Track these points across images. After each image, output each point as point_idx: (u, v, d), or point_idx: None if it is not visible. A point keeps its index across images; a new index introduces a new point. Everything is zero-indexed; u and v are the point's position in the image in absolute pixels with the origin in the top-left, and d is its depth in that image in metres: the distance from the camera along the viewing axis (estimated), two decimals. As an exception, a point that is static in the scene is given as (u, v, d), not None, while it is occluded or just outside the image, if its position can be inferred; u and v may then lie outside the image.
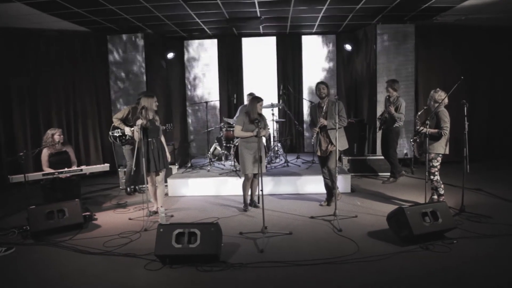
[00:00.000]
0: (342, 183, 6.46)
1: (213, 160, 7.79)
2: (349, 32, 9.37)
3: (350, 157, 7.87)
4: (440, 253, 3.89)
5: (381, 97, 8.16)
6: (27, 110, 7.87)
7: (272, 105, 7.83)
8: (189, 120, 10.11)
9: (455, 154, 5.93)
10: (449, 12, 7.47)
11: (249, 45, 9.83)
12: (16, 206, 5.97)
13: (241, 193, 5.82)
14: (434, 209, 4.24)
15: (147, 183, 5.41)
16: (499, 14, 7.54)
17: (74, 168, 5.60)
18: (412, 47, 8.37)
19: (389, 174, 7.31)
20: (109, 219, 5.51)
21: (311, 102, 7.67)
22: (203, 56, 9.93)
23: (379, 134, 7.70)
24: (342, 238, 4.45)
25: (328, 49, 9.77)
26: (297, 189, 6.65)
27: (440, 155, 5.18)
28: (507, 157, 9.00)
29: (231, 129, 7.28)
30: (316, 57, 9.81)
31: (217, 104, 9.91)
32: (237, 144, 6.37)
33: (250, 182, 5.73)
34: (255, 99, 5.56)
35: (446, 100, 5.17)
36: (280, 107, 8.85)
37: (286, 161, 7.71)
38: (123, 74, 8.61)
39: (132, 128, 5.70)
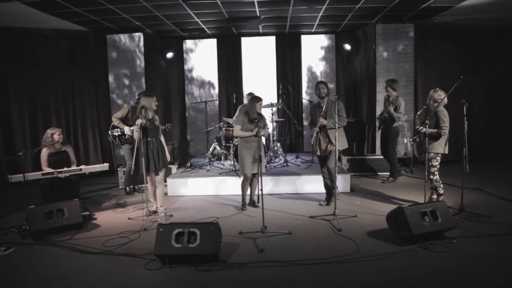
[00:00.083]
0: (342, 182, 6.46)
1: (212, 159, 7.78)
2: (349, 31, 9.38)
3: (349, 157, 7.87)
4: (439, 252, 3.90)
5: (380, 96, 8.17)
6: (26, 109, 7.85)
7: (271, 105, 7.83)
8: (188, 120, 10.10)
9: (454, 153, 5.93)
10: (448, 12, 7.48)
11: (248, 44, 9.82)
12: (15, 206, 5.95)
13: (240, 192, 5.82)
14: (433, 208, 4.24)
15: (147, 183, 5.40)
16: (498, 14, 7.55)
17: (74, 167, 5.59)
18: (411, 47, 8.39)
19: (388, 173, 7.31)
20: (108, 218, 5.51)
21: (310, 101, 7.67)
22: (203, 56, 9.92)
23: (378, 134, 7.71)
24: (342, 238, 4.45)
25: (328, 49, 9.77)
26: (297, 188, 6.65)
27: (440, 154, 5.19)
28: (506, 156, 9.01)
29: (231, 128, 7.27)
30: (315, 57, 9.82)
31: (217, 103, 9.91)
32: (236, 143, 6.37)
33: (249, 182, 5.74)
34: (255, 99, 5.56)
35: (445, 100, 5.18)
36: (280, 107, 8.85)
37: (286, 161, 7.71)
38: (122, 74, 8.61)
39: (132, 128, 5.69)
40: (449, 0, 6.74)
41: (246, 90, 9.72)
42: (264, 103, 5.96)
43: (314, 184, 6.52)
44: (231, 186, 6.58)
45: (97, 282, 3.57)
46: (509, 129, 9.19)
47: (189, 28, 8.72)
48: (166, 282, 3.54)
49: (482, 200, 5.78)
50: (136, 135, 5.19)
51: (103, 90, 8.73)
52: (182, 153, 9.09)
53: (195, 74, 10.01)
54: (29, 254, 4.26)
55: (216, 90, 9.99)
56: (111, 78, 8.64)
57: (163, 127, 5.84)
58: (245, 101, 7.60)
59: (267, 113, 8.04)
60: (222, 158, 7.80)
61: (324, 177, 5.73)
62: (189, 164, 7.79)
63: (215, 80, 9.97)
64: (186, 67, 9.99)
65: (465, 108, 4.87)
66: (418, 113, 5.69)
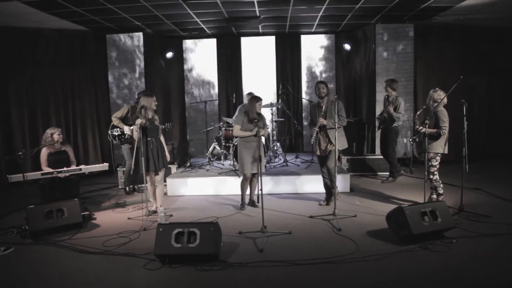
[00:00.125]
0: (341, 182, 6.46)
1: (212, 159, 7.78)
2: (348, 31, 9.38)
3: (349, 157, 7.87)
4: (439, 252, 3.90)
5: (380, 96, 8.17)
6: (25, 109, 7.85)
7: (271, 105, 7.83)
8: (188, 120, 10.10)
9: (454, 153, 5.93)
10: (448, 12, 7.49)
11: (248, 44, 9.82)
12: (14, 206, 5.95)
13: (240, 192, 5.82)
14: (433, 208, 4.24)
15: (146, 183, 5.40)
16: (497, 14, 7.55)
17: (73, 167, 5.59)
18: (411, 46, 8.39)
19: (388, 173, 7.32)
20: (108, 218, 5.50)
21: (310, 101, 7.67)
22: (202, 56, 9.92)
23: (378, 134, 7.71)
24: (341, 238, 4.45)
25: (327, 49, 9.78)
26: (296, 188, 6.65)
27: (439, 154, 5.19)
28: (506, 156, 9.02)
29: (230, 128, 7.27)
30: (315, 56, 9.82)
31: (216, 103, 9.91)
32: (236, 143, 6.36)
33: (249, 181, 5.74)
34: (254, 99, 5.56)
35: (445, 100, 5.18)
36: (279, 107, 8.85)
37: (285, 161, 7.71)
38: (122, 74, 8.61)
39: (131, 127, 5.69)
40: (449, 0, 6.74)
41: (245, 90, 9.72)
42: (263, 103, 5.96)
43: (313, 184, 6.52)
44: (231, 186, 6.58)
45: (96, 282, 3.57)
46: (509, 129, 9.20)
47: (189, 27, 8.72)
48: (166, 282, 3.54)
49: (481, 200, 5.78)
50: (135, 135, 5.19)
51: (103, 90, 8.73)
52: (181, 153, 9.09)
53: (194, 74, 10.01)
54: (29, 254, 4.26)
55: (216, 90, 9.98)
56: (110, 78, 8.64)
57: (163, 127, 5.84)
58: (245, 101, 7.59)
59: (266, 113, 8.05)
60: (222, 158, 7.80)
61: (323, 177, 5.73)
62: (188, 164, 7.79)
63: (214, 80, 9.97)
64: (185, 67, 9.98)
65: (464, 108, 4.87)
66: (418, 113, 5.69)
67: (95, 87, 8.69)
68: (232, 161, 7.10)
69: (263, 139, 6.39)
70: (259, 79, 9.87)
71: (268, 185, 6.53)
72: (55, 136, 5.63)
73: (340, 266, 3.72)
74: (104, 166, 5.70)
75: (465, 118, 4.89)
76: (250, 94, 7.03)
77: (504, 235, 4.30)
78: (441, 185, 5.30)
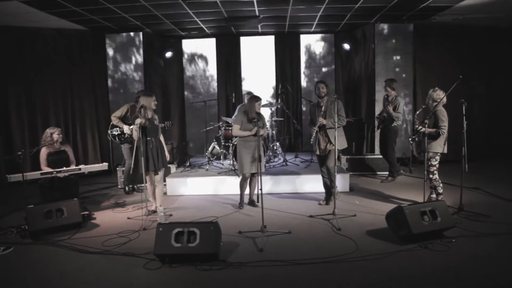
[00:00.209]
0: (341, 182, 6.46)
1: (211, 159, 7.78)
2: (348, 31, 9.38)
3: (348, 156, 7.87)
4: (439, 252, 3.90)
5: (379, 96, 8.18)
6: (24, 109, 7.84)
7: (270, 104, 7.83)
8: (187, 119, 10.10)
9: (453, 153, 5.93)
10: (447, 12, 7.49)
11: (247, 44, 9.83)
12: (14, 206, 5.94)
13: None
14: (433, 208, 4.25)
15: (146, 182, 5.40)
16: (497, 13, 7.56)
17: (73, 167, 5.58)
18: (410, 46, 8.40)
19: (387, 173, 7.32)
20: (107, 218, 5.50)
21: (309, 101, 7.67)
22: (202, 55, 9.92)
23: (377, 133, 7.72)
24: (341, 237, 4.45)
25: (327, 49, 9.78)
26: (296, 188, 6.65)
27: (439, 154, 5.20)
28: (505, 156, 9.03)
29: (230, 128, 7.27)
30: (314, 56, 9.82)
31: (216, 103, 9.90)
32: (235, 143, 6.36)
33: (248, 181, 5.74)
34: (254, 98, 5.56)
35: (444, 99, 5.19)
36: (279, 106, 8.86)
37: (285, 160, 7.71)
38: (121, 73, 8.60)
39: (131, 127, 5.68)
40: (448, 0, 6.75)
41: (245, 89, 9.73)
42: (263, 102, 5.96)
43: (313, 184, 6.53)
44: (230, 186, 6.58)
45: (96, 281, 3.56)
46: (508, 129, 9.21)
47: (188, 27, 8.72)
48: (166, 281, 3.54)
49: (481, 199, 5.79)
50: (135, 135, 5.18)
51: (102, 90, 8.72)
52: (181, 153, 9.09)
53: (194, 73, 10.00)
54: (28, 253, 4.25)
55: (215, 90, 9.98)
56: (110, 77, 8.63)
57: (163, 125, 5.83)
58: (245, 100, 7.59)
59: (266, 112, 8.05)
60: (221, 158, 7.80)
61: (323, 177, 5.73)
62: (188, 164, 7.79)
63: (214, 79, 9.97)
64: (185, 66, 9.98)
65: (464, 107, 4.88)
66: (417, 112, 5.69)
67: (94, 86, 8.69)
68: (231, 161, 7.10)
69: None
70: (259, 79, 9.88)
71: (267, 184, 6.53)
72: (55, 136, 5.62)
73: (339, 265, 3.72)
74: (104, 165, 5.69)
75: (464, 117, 4.89)
76: (249, 93, 7.02)
77: (503, 234, 4.30)
78: (441, 185, 5.30)
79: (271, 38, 9.80)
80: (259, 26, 8.70)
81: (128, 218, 5.43)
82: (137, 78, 8.58)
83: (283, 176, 6.75)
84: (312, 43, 9.80)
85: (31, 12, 6.69)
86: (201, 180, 6.78)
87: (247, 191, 5.85)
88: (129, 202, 6.32)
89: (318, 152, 5.62)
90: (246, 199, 5.91)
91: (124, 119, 6.37)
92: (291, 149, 9.75)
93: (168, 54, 9.43)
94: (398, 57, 8.40)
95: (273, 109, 8.04)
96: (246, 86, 9.87)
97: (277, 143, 8.05)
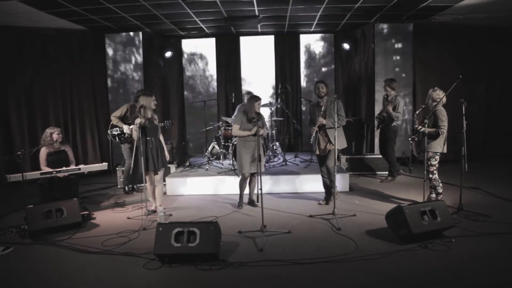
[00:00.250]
0: (341, 182, 6.46)
1: (211, 159, 7.78)
2: (347, 31, 9.38)
3: (348, 156, 7.87)
4: (438, 251, 3.90)
5: (379, 96, 8.18)
6: (24, 109, 7.83)
7: (270, 104, 7.83)
8: (187, 119, 10.10)
9: (453, 153, 5.93)
10: (447, 12, 7.49)
11: (247, 44, 9.83)
12: (14, 205, 5.94)
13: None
14: (432, 207, 4.25)
15: (146, 182, 5.40)
16: (497, 13, 7.56)
17: (72, 167, 5.58)
18: (410, 46, 8.40)
19: (387, 173, 7.33)
20: (107, 218, 5.49)
21: (309, 101, 7.68)
22: (201, 55, 9.92)
23: (377, 133, 7.72)
24: (341, 237, 4.45)
25: (327, 48, 9.78)
26: (296, 188, 6.65)
27: (438, 153, 5.20)
28: (505, 156, 9.03)
29: (230, 128, 7.27)
30: (314, 56, 9.82)
31: (215, 103, 9.90)
32: (235, 143, 6.36)
33: (248, 181, 5.74)
34: (253, 98, 5.56)
35: (444, 99, 5.19)
36: (278, 106, 8.86)
37: (285, 160, 7.71)
38: (121, 73, 8.60)
39: (131, 126, 5.68)
40: (448, -1, 6.77)
41: (245, 89, 9.73)
42: (263, 102, 5.96)
43: (313, 183, 6.53)
44: (230, 186, 6.58)
45: (96, 281, 3.56)
46: (508, 128, 9.21)
47: (188, 27, 8.71)
48: (166, 281, 3.54)
49: (480, 199, 5.79)
50: (135, 134, 5.18)
51: (102, 89, 8.72)
52: (181, 153, 9.09)
53: (193, 73, 10.00)
54: (28, 253, 4.25)
55: (215, 89, 9.98)
56: (109, 77, 8.63)
57: (162, 124, 5.83)
58: (244, 100, 7.59)
59: (266, 112, 8.05)
60: (221, 158, 7.80)
61: (323, 176, 5.74)
62: (188, 164, 7.79)
63: (214, 79, 9.97)
64: (184, 66, 9.98)
65: (464, 107, 4.88)
66: (417, 112, 5.69)
67: (94, 86, 8.69)
68: (231, 161, 7.09)
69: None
70: (258, 79, 9.88)
71: (267, 184, 6.53)
72: (54, 136, 5.62)
73: (339, 265, 3.72)
74: (103, 165, 5.68)
75: (464, 117, 4.89)
76: (249, 93, 7.03)
77: (503, 234, 4.31)
78: (440, 184, 5.31)
79: (271, 38, 9.80)
80: (258, 25, 8.70)
81: (128, 218, 5.43)
82: (136, 78, 8.58)
83: (282, 176, 6.75)
84: (312, 43, 9.80)
85: (31, 12, 6.69)
86: (201, 180, 6.78)
87: (246, 190, 5.85)
88: (128, 202, 6.32)
89: (317, 152, 5.62)
90: (245, 199, 5.91)
91: (124, 119, 6.37)
92: (291, 149, 9.75)
93: (168, 54, 9.43)
94: (398, 57, 8.40)
95: (272, 109, 8.04)
96: (245, 86, 9.87)
97: (277, 143, 8.05)
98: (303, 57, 9.87)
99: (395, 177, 7.14)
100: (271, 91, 9.85)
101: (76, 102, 8.49)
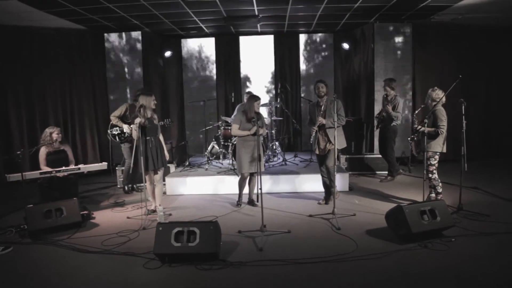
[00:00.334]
0: (340, 181, 6.46)
1: (211, 158, 7.78)
2: (347, 31, 9.39)
3: (348, 156, 7.88)
4: (438, 251, 3.91)
5: (378, 96, 8.19)
6: (23, 108, 7.83)
7: (270, 104, 7.83)
8: (187, 119, 10.10)
9: (453, 152, 5.94)
10: (447, 11, 7.50)
11: (246, 43, 9.83)
12: (13, 205, 5.94)
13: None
14: (432, 207, 4.25)
15: (145, 182, 5.39)
16: (496, 13, 7.57)
17: (72, 166, 5.58)
18: (409, 46, 8.41)
19: (386, 172, 7.33)
20: (107, 217, 5.49)
21: (309, 100, 7.68)
22: (201, 55, 9.92)
23: (376, 133, 7.72)
24: (341, 236, 4.46)
25: (326, 48, 9.79)
26: (295, 187, 6.65)
27: (438, 153, 5.21)
28: (504, 156, 9.05)
29: (229, 127, 7.27)
30: (313, 55, 9.82)
31: (215, 102, 9.90)
32: (235, 142, 6.36)
33: (247, 180, 5.75)
34: (253, 98, 5.56)
35: (444, 99, 5.20)
36: (278, 106, 8.86)
37: (284, 160, 7.72)
38: (120, 72, 8.59)
39: (131, 126, 5.67)
40: (447, -1, 6.77)
41: (244, 89, 9.73)
42: (262, 102, 5.95)
43: (312, 183, 6.53)
44: (230, 185, 6.58)
45: (96, 281, 3.56)
46: (508, 128, 9.23)
47: (188, 26, 8.71)
48: (166, 281, 3.54)
49: (480, 199, 5.80)
50: (134, 134, 5.18)
51: (101, 89, 8.71)
52: (180, 152, 9.09)
53: (193, 73, 10.00)
54: (28, 253, 4.25)
55: (215, 89, 9.98)
56: (109, 77, 8.62)
57: (162, 123, 5.83)
58: (244, 100, 7.60)
59: (265, 112, 8.06)
60: (221, 157, 7.80)
61: (322, 176, 5.74)
62: (187, 163, 7.78)
63: (213, 78, 9.97)
64: (184, 66, 9.97)
65: (463, 107, 4.88)
66: (416, 112, 5.70)
67: (94, 86, 8.68)
68: (231, 160, 7.10)
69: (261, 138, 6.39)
70: (258, 78, 9.88)
71: (267, 184, 6.54)
72: (54, 135, 5.62)
73: (339, 265, 3.72)
74: (103, 165, 5.68)
75: (463, 117, 4.89)
76: (249, 93, 7.03)
77: (502, 233, 4.31)
78: (440, 184, 5.31)
79: (270, 38, 9.81)
80: (258, 25, 8.70)
81: (128, 217, 5.42)
82: (136, 78, 8.57)
83: (282, 175, 6.75)
84: (312, 42, 9.80)
85: (30, 11, 6.68)
86: (201, 180, 6.78)
87: (246, 190, 5.86)
88: (128, 201, 6.32)
89: (317, 152, 5.62)
90: (245, 199, 5.92)
91: (124, 118, 6.36)
92: (290, 149, 9.76)
93: (168, 54, 9.43)
94: (398, 57, 8.41)
95: (272, 108, 8.04)
96: (245, 86, 9.87)
97: (277, 143, 8.05)
98: (302, 57, 9.87)
99: (395, 177, 7.15)
100: (270, 90, 9.85)
101: (75, 102, 8.48)
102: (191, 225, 3.95)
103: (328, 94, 5.52)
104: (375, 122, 7.48)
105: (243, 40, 9.80)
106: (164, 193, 6.49)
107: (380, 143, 7.29)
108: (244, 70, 9.94)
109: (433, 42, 8.78)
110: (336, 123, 5.06)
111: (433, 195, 5.37)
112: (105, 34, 8.51)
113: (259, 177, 4.61)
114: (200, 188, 6.71)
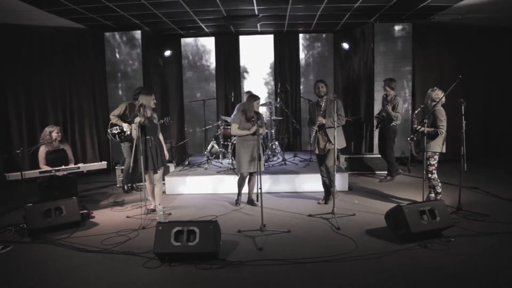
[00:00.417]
0: (340, 181, 6.46)
1: (210, 158, 7.78)
2: (347, 30, 9.39)
3: (347, 156, 7.88)
4: (438, 251, 3.91)
5: (378, 95, 8.19)
6: (23, 107, 7.81)
7: (269, 103, 7.83)
8: (186, 118, 10.09)
9: (452, 152, 5.94)
10: (446, 11, 7.50)
11: (246, 43, 9.83)
12: (12, 204, 5.94)
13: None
14: (432, 207, 4.25)
15: (145, 181, 5.39)
16: (496, 13, 7.58)
17: (71, 166, 5.57)
18: (409, 46, 8.41)
19: (386, 172, 7.33)
20: (106, 217, 5.49)
21: (309, 100, 7.68)
22: (200, 54, 9.91)
23: (376, 133, 7.72)
24: (340, 236, 4.46)
25: (326, 48, 9.78)
26: (295, 187, 6.65)
27: (437, 153, 5.21)
28: (504, 156, 9.06)
29: (229, 127, 7.27)
30: (313, 55, 9.82)
31: (215, 102, 9.90)
32: (234, 142, 6.36)
33: (247, 180, 5.75)
34: (252, 97, 5.57)
35: (443, 99, 5.20)
36: (278, 105, 8.86)
37: (284, 159, 7.72)
38: (120, 72, 8.59)
39: (131, 125, 5.67)
40: (447, -1, 6.77)
41: (244, 88, 9.73)
42: (262, 101, 5.95)
43: (312, 183, 6.53)
44: (229, 185, 6.58)
45: (95, 280, 3.56)
46: (507, 128, 9.24)
47: (187, 26, 8.71)
48: (165, 280, 3.53)
49: (479, 199, 5.80)
50: (134, 133, 5.17)
51: (101, 88, 8.70)
52: (180, 152, 9.09)
53: (193, 72, 9.99)
54: (27, 252, 4.24)
55: (214, 89, 9.97)
56: (108, 76, 8.61)
57: (162, 121, 5.83)
58: (244, 99, 7.59)
59: (265, 111, 8.05)
60: (220, 157, 7.80)
61: (322, 176, 5.74)
62: (187, 163, 7.78)
63: (213, 78, 9.96)
64: (184, 65, 9.96)
65: (463, 107, 4.89)
66: (416, 112, 5.70)
67: (93, 85, 8.67)
68: (230, 160, 7.09)
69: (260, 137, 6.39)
70: (258, 78, 9.88)
71: (266, 183, 6.54)
72: (54, 134, 5.62)
73: (339, 264, 3.73)
74: (102, 164, 5.68)
75: (463, 117, 4.90)
76: (248, 92, 7.03)
77: (501, 233, 4.32)
78: (439, 184, 5.32)
79: (270, 37, 9.80)
80: (258, 25, 8.70)
81: (127, 217, 5.42)
82: (136, 77, 8.56)
83: (282, 175, 6.75)
84: (311, 42, 9.79)
85: (30, 10, 6.67)
86: (200, 179, 6.78)
87: (245, 189, 5.85)
88: (128, 201, 6.31)
89: (317, 151, 5.62)
90: (244, 198, 5.92)
91: (123, 117, 6.36)
92: (290, 148, 9.76)
93: (167, 53, 9.42)
94: (397, 57, 8.41)
95: (272, 108, 8.04)
96: (245, 85, 9.87)
97: (276, 142, 8.05)
98: (302, 56, 9.87)
99: (394, 177, 7.15)
100: (270, 90, 9.85)
101: (75, 101, 8.47)
102: (191, 224, 3.95)
103: (328, 94, 5.52)
104: (375, 122, 7.49)
105: (243, 40, 9.80)
106: (164, 192, 6.49)
107: (380, 143, 7.29)
108: (243, 70, 9.93)
109: (433, 42, 8.78)
110: (336, 123, 5.07)
111: (432, 195, 5.37)
112: (105, 33, 8.50)
113: (258, 176, 4.61)
114: (199, 188, 6.71)
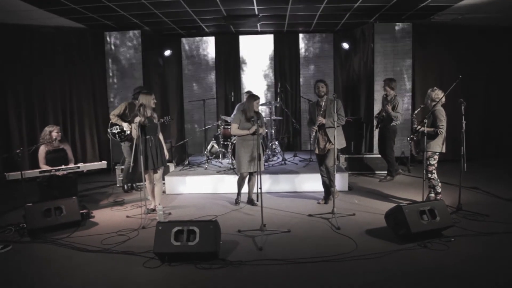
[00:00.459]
0: (340, 181, 6.46)
1: (210, 158, 7.77)
2: (347, 30, 9.39)
3: (347, 155, 7.88)
4: (437, 251, 3.91)
5: (378, 95, 8.19)
6: (23, 107, 7.81)
7: (269, 103, 7.83)
8: (186, 118, 10.09)
9: (452, 152, 5.94)
10: (446, 11, 7.50)
11: (246, 42, 9.83)
12: (12, 204, 5.93)
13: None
14: (431, 207, 4.26)
15: (145, 181, 5.39)
16: (496, 13, 7.58)
17: (71, 165, 5.57)
18: (409, 46, 8.41)
19: (386, 172, 7.33)
20: (106, 216, 5.48)
21: (309, 100, 7.68)
22: (200, 54, 9.91)
23: (376, 133, 7.72)
24: (340, 236, 4.46)
25: (326, 48, 9.78)
26: (295, 187, 6.65)
27: (437, 153, 5.21)
28: (504, 156, 9.06)
29: (229, 127, 7.27)
30: (313, 55, 9.82)
31: (215, 101, 9.89)
32: (234, 142, 6.36)
33: (247, 180, 5.75)
34: (252, 97, 5.56)
35: (443, 99, 5.20)
36: (278, 105, 8.86)
37: (284, 159, 7.71)
38: (120, 71, 8.59)
39: (131, 124, 5.67)
40: (447, -1, 6.77)
41: (244, 88, 9.73)
42: (262, 101, 5.95)
43: (312, 183, 6.53)
44: (229, 184, 6.57)
45: (95, 280, 3.56)
46: (507, 128, 9.24)
47: (187, 26, 8.70)
48: (165, 280, 3.53)
49: (479, 199, 5.80)
50: (134, 133, 5.17)
51: (101, 88, 8.70)
52: (180, 151, 9.09)
53: (193, 72, 9.99)
54: (27, 252, 4.24)
55: (214, 88, 9.97)
56: (108, 76, 8.61)
57: (162, 120, 5.83)
58: (244, 99, 7.59)
59: (265, 111, 8.05)
60: (220, 156, 7.80)
61: (322, 176, 5.74)
62: (187, 162, 7.78)
63: (213, 78, 9.96)
64: (184, 65, 9.96)
65: (463, 107, 4.89)
66: (416, 112, 5.70)
67: (93, 84, 8.67)
68: (230, 160, 7.09)
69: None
70: (258, 78, 9.87)
71: (266, 183, 6.54)
72: (54, 134, 5.61)
73: (339, 264, 3.73)
74: (102, 164, 5.68)
75: (463, 117, 4.90)
76: (248, 92, 7.03)
77: (501, 233, 4.32)
78: (439, 184, 5.32)
79: (270, 37, 9.80)
80: (258, 25, 8.70)
81: (127, 216, 5.42)
82: (136, 77, 8.56)
83: (282, 175, 6.75)
84: (311, 42, 9.79)
85: (30, 10, 6.67)
86: (200, 179, 6.78)
87: (245, 189, 5.85)
88: (128, 200, 6.31)
89: (317, 151, 5.62)
90: (244, 198, 5.92)
91: (123, 117, 6.36)
92: (290, 148, 9.76)
93: (167, 53, 9.42)
94: (397, 57, 8.41)
95: (272, 108, 8.04)
96: (245, 85, 9.87)
97: (276, 142, 8.05)
98: (302, 56, 9.87)
99: (394, 177, 7.15)
100: (270, 90, 9.84)
101: (75, 100, 8.47)
102: (191, 224, 3.95)
103: (328, 93, 5.52)
104: (375, 122, 7.48)
105: (243, 39, 9.80)
106: (164, 192, 6.49)
107: (380, 143, 7.29)
108: (243, 69, 9.93)
109: (433, 42, 8.78)
110: (336, 122, 5.07)
111: (432, 195, 5.37)
112: (105, 33, 8.50)
113: (258, 176, 4.61)
114: (199, 187, 6.71)
